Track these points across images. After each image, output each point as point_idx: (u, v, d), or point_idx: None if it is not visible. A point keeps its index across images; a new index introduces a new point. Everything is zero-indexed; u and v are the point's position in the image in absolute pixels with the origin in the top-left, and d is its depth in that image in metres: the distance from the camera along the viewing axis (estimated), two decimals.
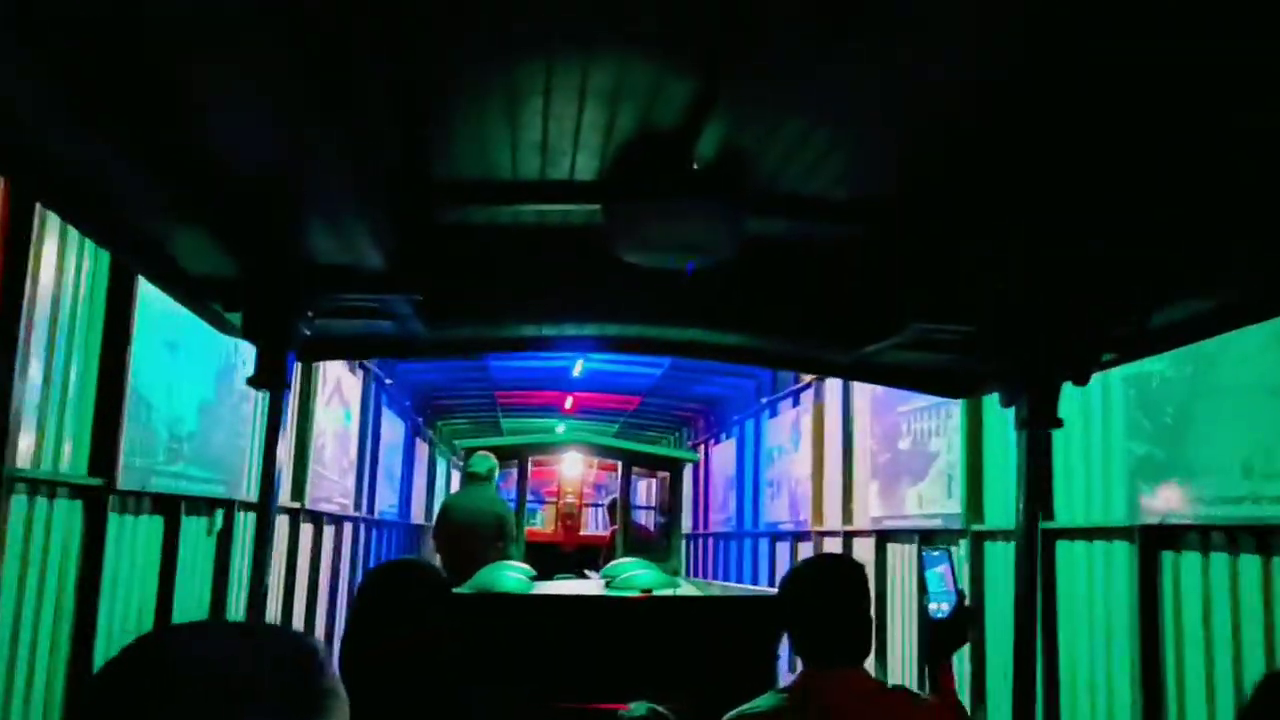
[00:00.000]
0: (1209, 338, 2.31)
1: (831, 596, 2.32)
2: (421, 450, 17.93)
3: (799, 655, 2.36)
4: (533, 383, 15.76)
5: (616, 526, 8.85)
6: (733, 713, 2.28)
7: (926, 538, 7.15)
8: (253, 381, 2.52)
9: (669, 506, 9.46)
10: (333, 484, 9.73)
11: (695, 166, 1.94)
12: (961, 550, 6.98)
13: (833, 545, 10.02)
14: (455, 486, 24.90)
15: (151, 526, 5.39)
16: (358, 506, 11.37)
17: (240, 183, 1.82)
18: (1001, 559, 6.56)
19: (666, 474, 9.71)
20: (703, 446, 18.15)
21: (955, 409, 7.00)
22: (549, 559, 7.64)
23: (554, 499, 10.03)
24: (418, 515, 17.43)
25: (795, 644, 2.36)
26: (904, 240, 2.29)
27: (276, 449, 2.55)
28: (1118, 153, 1.72)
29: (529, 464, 9.03)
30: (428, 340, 2.82)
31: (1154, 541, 4.77)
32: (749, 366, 10.17)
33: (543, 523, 10.44)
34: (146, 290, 4.72)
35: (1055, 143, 1.76)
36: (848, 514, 9.73)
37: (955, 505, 7.10)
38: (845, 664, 2.30)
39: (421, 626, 2.04)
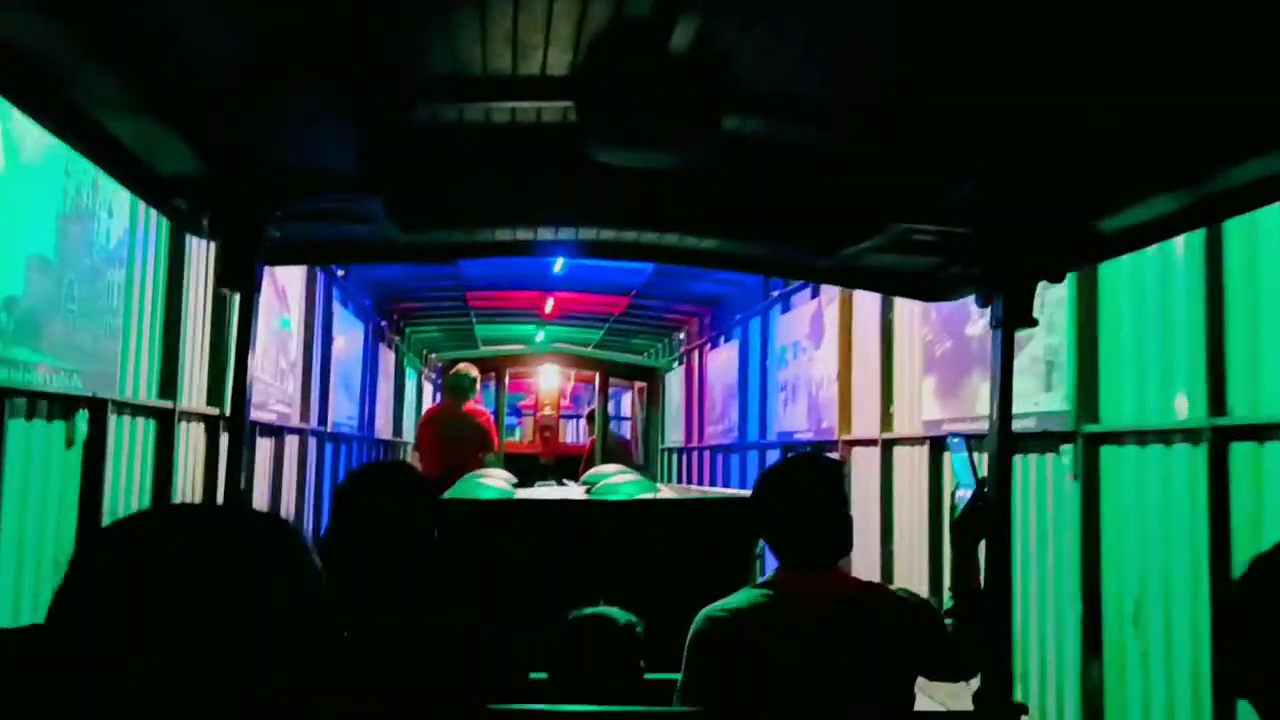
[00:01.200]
0: (1191, 231, 2.40)
1: (805, 498, 2.33)
2: (387, 358, 16.21)
3: (775, 555, 2.37)
4: (510, 282, 13.92)
5: (595, 437, 8.92)
6: (708, 609, 2.32)
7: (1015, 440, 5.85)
8: (221, 283, 2.51)
9: (645, 416, 9.51)
10: (267, 387, 8.03)
11: (670, 61, 1.84)
12: (1065, 457, 5.44)
13: (867, 457, 8.47)
14: (428, 401, 23.33)
15: None
16: (305, 416, 9.70)
17: (205, 77, 1.78)
18: (1125, 466, 5.02)
19: (643, 384, 9.70)
20: (697, 353, 16.54)
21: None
22: (528, 470, 7.57)
23: (531, 412, 10.14)
24: (384, 429, 15.78)
25: (771, 544, 2.37)
26: (883, 141, 2.25)
27: (249, 359, 2.40)
28: (1095, 48, 1.70)
29: (506, 376, 8.96)
30: (400, 245, 2.79)
31: None
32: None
33: (521, 436, 10.74)
34: None
35: (1034, 39, 1.72)
36: (887, 420, 8.15)
37: (1057, 400, 5.51)
38: (822, 564, 2.32)
39: (409, 529, 2.08)
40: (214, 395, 6.80)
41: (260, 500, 8.06)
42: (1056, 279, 2.49)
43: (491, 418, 7.91)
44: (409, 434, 19.07)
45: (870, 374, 8.42)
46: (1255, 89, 1.67)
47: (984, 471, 2.46)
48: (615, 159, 2.09)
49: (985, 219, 2.39)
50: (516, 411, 10.51)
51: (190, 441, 6.52)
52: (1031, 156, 2.11)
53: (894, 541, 7.92)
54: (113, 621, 0.80)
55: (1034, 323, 2.49)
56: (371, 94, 2.00)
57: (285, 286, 8.60)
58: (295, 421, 9.27)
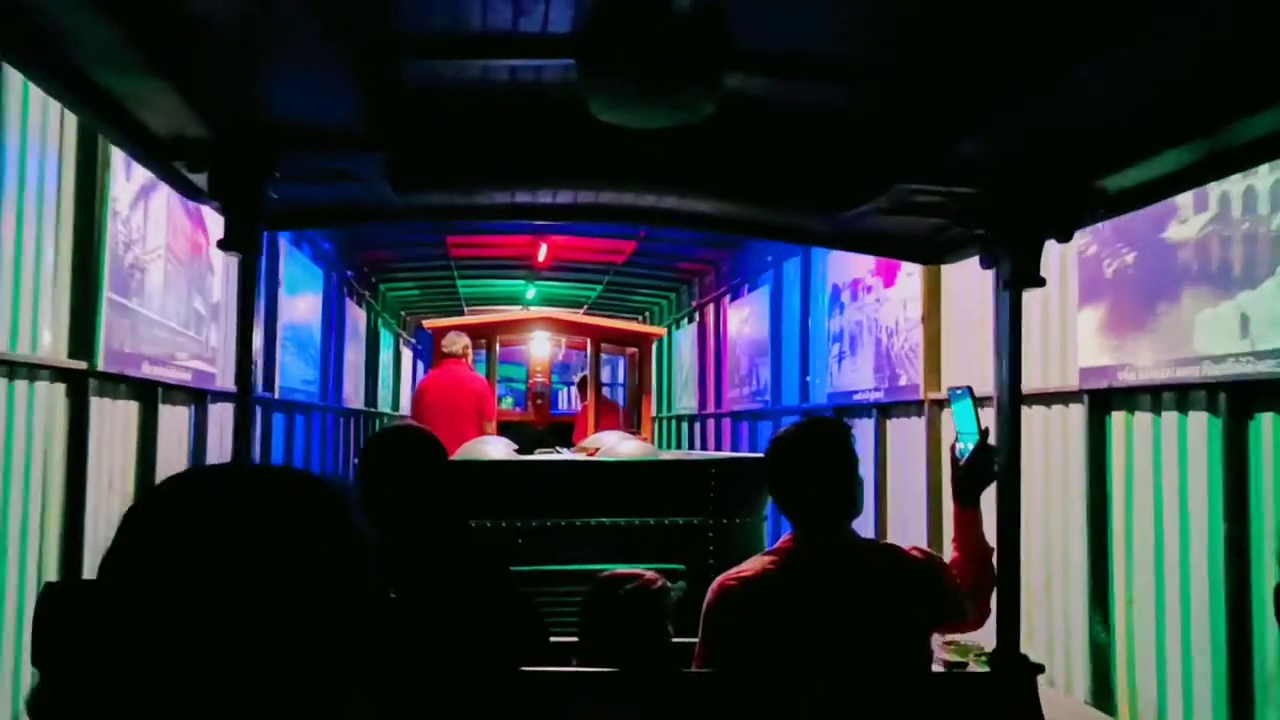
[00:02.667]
0: (1201, 186, 2.28)
1: (815, 460, 2.34)
2: (356, 317, 14.07)
3: (787, 519, 2.37)
4: (497, 225, 11.78)
5: (588, 403, 9.02)
6: (721, 576, 2.35)
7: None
8: (223, 246, 2.39)
9: (637, 382, 9.59)
10: (171, 337, 5.92)
11: (674, 18, 1.84)
12: None
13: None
14: (408, 369, 21.20)
15: None
16: (244, 379, 7.56)
17: (204, 33, 1.76)
18: None
19: (635, 350, 9.71)
20: (713, 306, 14.45)
21: None
22: (522, 437, 7.26)
23: (521, 380, 10.33)
24: (353, 398, 13.65)
25: (783, 508, 2.37)
26: (885, 100, 2.19)
27: (253, 330, 2.47)
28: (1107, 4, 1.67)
29: (497, 344, 9.01)
30: (397, 207, 2.77)
31: None
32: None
33: (512, 404, 10.60)
34: None
35: None
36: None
37: None
38: (833, 526, 2.32)
39: (435, 490, 2.24)
40: (80, 342, 4.72)
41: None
42: (1064, 238, 2.41)
43: (488, 385, 7.85)
44: (385, 403, 16.99)
45: (973, 314, 6.37)
46: (1267, 42, 1.65)
47: (986, 422, 2.44)
48: (618, 118, 2.04)
49: (991, 178, 2.35)
50: (508, 381, 10.46)
51: (48, 406, 4.45)
52: (1038, 113, 2.05)
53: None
54: (163, 582, 0.75)
55: (1042, 282, 2.45)
56: (370, 51, 1.95)
57: (202, 209, 6.46)
58: (224, 383, 7.17)
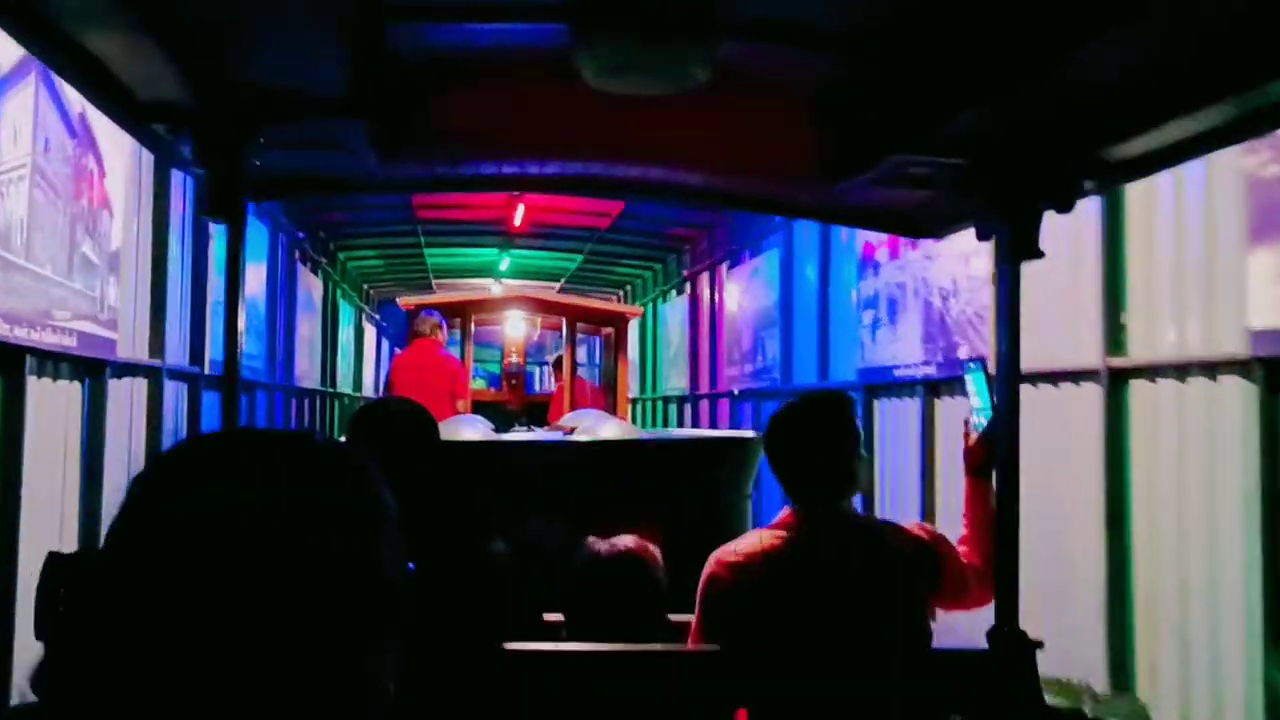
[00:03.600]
0: (1199, 157, 2.25)
1: (812, 435, 2.34)
2: (310, 285, 12.61)
3: (786, 493, 2.37)
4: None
5: (563, 383, 9.13)
6: (718, 551, 2.34)
7: None
8: (206, 213, 2.35)
9: (614, 363, 9.59)
10: (41, 288, 4.49)
11: None
12: None
13: (1057, 400, 5.15)
14: (371, 346, 19.75)
15: None
16: (158, 352, 6.17)
17: None
18: None
19: (610, 330, 9.74)
20: (708, 276, 13.14)
21: None
22: (497, 417, 7.05)
23: (495, 361, 10.25)
24: (308, 377, 12.22)
25: (782, 483, 2.37)
26: (881, 70, 2.17)
27: (240, 304, 2.43)
28: None
29: (472, 324, 8.99)
30: (380, 178, 2.73)
31: None
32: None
33: (485, 385, 10.41)
34: None
35: None
36: (1116, 340, 4.82)
37: None
38: (831, 501, 2.33)
39: (426, 464, 2.22)
40: None
41: (40, 485, 4.58)
42: (1064, 208, 2.36)
43: (460, 364, 7.86)
44: (345, 383, 15.54)
45: (1067, 266, 5.07)
46: (1273, 9, 1.64)
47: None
48: (610, 85, 2.01)
49: (987, 149, 2.31)
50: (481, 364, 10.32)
51: None
52: (1035, 83, 1.98)
53: (1130, 541, 4.65)
54: (169, 552, 0.72)
55: (1041, 254, 2.38)
56: (356, 13, 1.90)
57: (93, 127, 5.01)
58: (129, 353, 5.77)
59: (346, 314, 16.03)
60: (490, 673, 2.13)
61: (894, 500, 7.16)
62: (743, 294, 11.38)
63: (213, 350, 7.16)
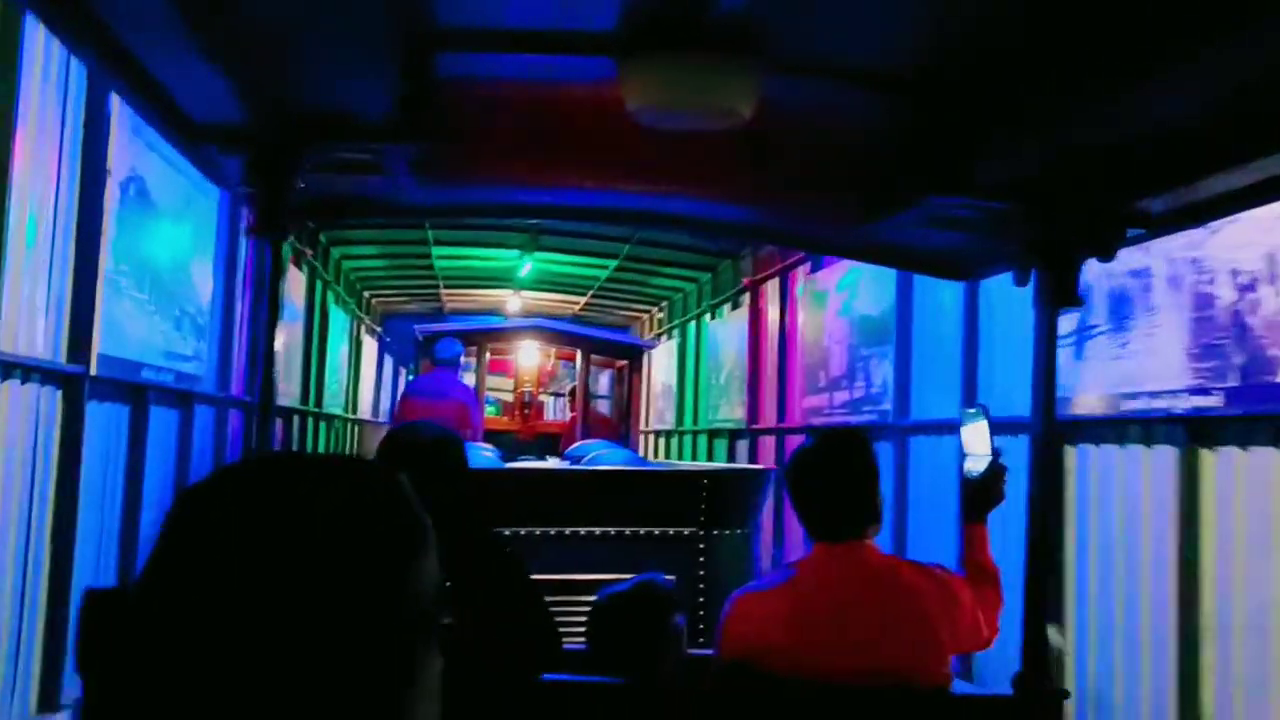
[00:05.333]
0: (1247, 210, 2.28)
1: (829, 471, 2.36)
2: (291, 281, 10.13)
3: (807, 531, 2.40)
4: None
5: (576, 414, 9.18)
6: (739, 591, 2.41)
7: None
8: (254, 232, 2.43)
9: (627, 394, 9.72)
10: None
11: (714, 19, 1.86)
12: None
13: None
14: (371, 361, 17.47)
15: None
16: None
17: (245, 14, 1.78)
18: None
19: (625, 362, 9.79)
20: (774, 285, 10.85)
21: None
22: (509, 446, 7.45)
23: (508, 390, 10.63)
24: (282, 392, 9.72)
25: (802, 520, 2.41)
26: (922, 110, 2.18)
27: (277, 327, 2.45)
28: (1164, 14, 1.61)
29: (487, 354, 9.24)
30: (422, 203, 2.81)
31: None
32: None
33: (498, 413, 10.48)
34: None
35: (1087, 12, 1.69)
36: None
37: None
38: (851, 538, 2.32)
39: (454, 486, 2.17)
40: None
41: None
42: (1106, 256, 2.32)
43: (474, 395, 7.82)
44: (334, 403, 13.12)
45: None
46: None
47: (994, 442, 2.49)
48: (655, 119, 2.04)
49: (1029, 194, 2.30)
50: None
51: None
52: (1080, 129, 2.02)
53: None
54: (206, 585, 0.72)
55: (1080, 302, 2.37)
56: (410, 42, 1.96)
57: None
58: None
59: (340, 321, 13.63)
60: (523, 702, 2.16)
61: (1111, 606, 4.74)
62: (830, 303, 8.97)
63: (105, 338, 4.82)
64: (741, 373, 11.62)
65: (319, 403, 11.77)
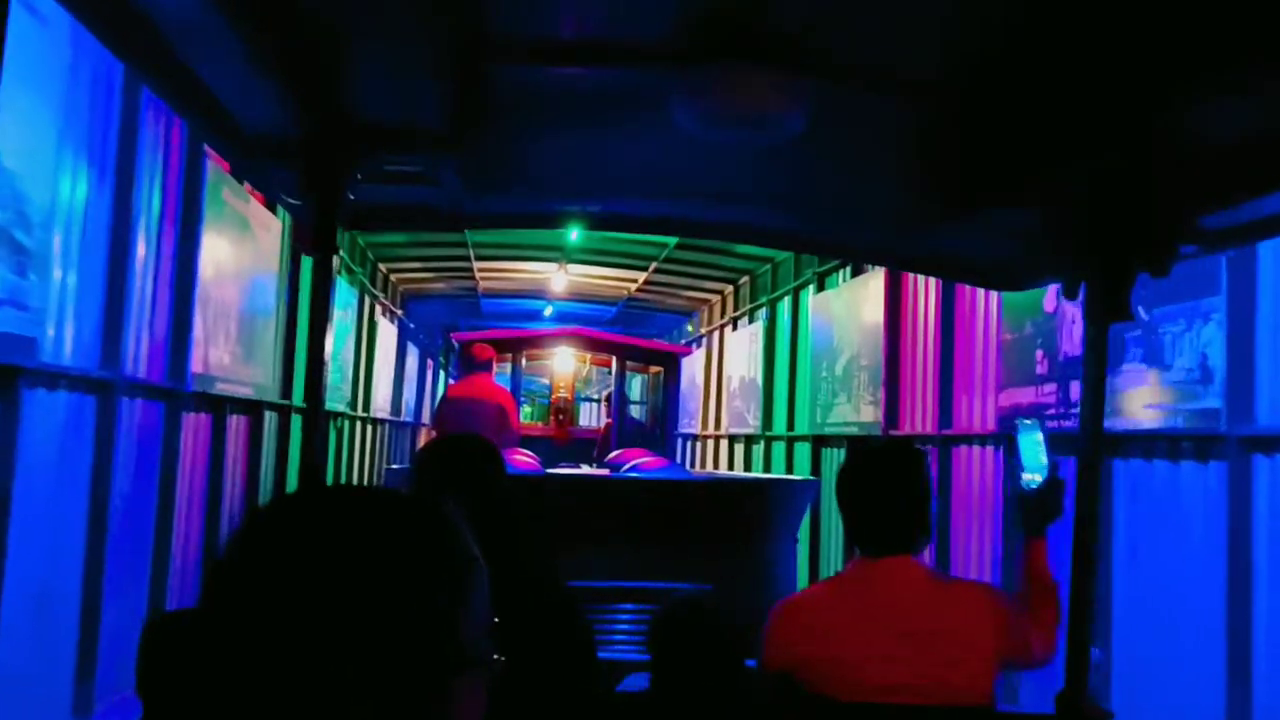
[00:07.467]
0: None
1: (884, 484, 2.37)
2: (263, 226, 8.10)
3: (854, 542, 2.44)
4: None
5: (611, 420, 9.56)
6: (783, 600, 2.45)
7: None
8: (305, 248, 2.47)
9: (663, 401, 9.83)
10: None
11: (768, 32, 1.91)
12: None
13: None
14: (390, 349, 15.38)
15: None
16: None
17: (300, 26, 1.81)
18: None
19: (660, 369, 9.97)
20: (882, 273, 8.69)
21: None
22: (544, 452, 7.47)
23: (544, 394, 11.28)
24: (252, 380, 7.94)
25: (850, 531, 2.43)
26: (974, 118, 2.15)
27: (326, 333, 2.36)
28: (1223, 30, 1.60)
29: (523, 359, 9.72)
30: (470, 212, 2.86)
31: None
32: None
33: (534, 418, 11.32)
34: None
35: (1146, 25, 1.66)
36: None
37: None
38: (898, 552, 2.34)
39: (493, 500, 2.32)
40: None
41: None
42: (1160, 272, 2.26)
43: (511, 399, 7.81)
44: (337, 399, 11.22)
45: None
46: None
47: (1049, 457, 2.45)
48: (707, 131, 2.07)
49: (1083, 203, 2.26)
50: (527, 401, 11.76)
51: None
52: (1138, 141, 1.95)
53: None
54: (265, 613, 0.77)
55: (1131, 317, 2.34)
56: (464, 52, 1.97)
57: None
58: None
59: (345, 295, 11.19)
60: (560, 713, 2.18)
61: None
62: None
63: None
64: (872, 361, 8.70)
65: (313, 396, 10.14)
